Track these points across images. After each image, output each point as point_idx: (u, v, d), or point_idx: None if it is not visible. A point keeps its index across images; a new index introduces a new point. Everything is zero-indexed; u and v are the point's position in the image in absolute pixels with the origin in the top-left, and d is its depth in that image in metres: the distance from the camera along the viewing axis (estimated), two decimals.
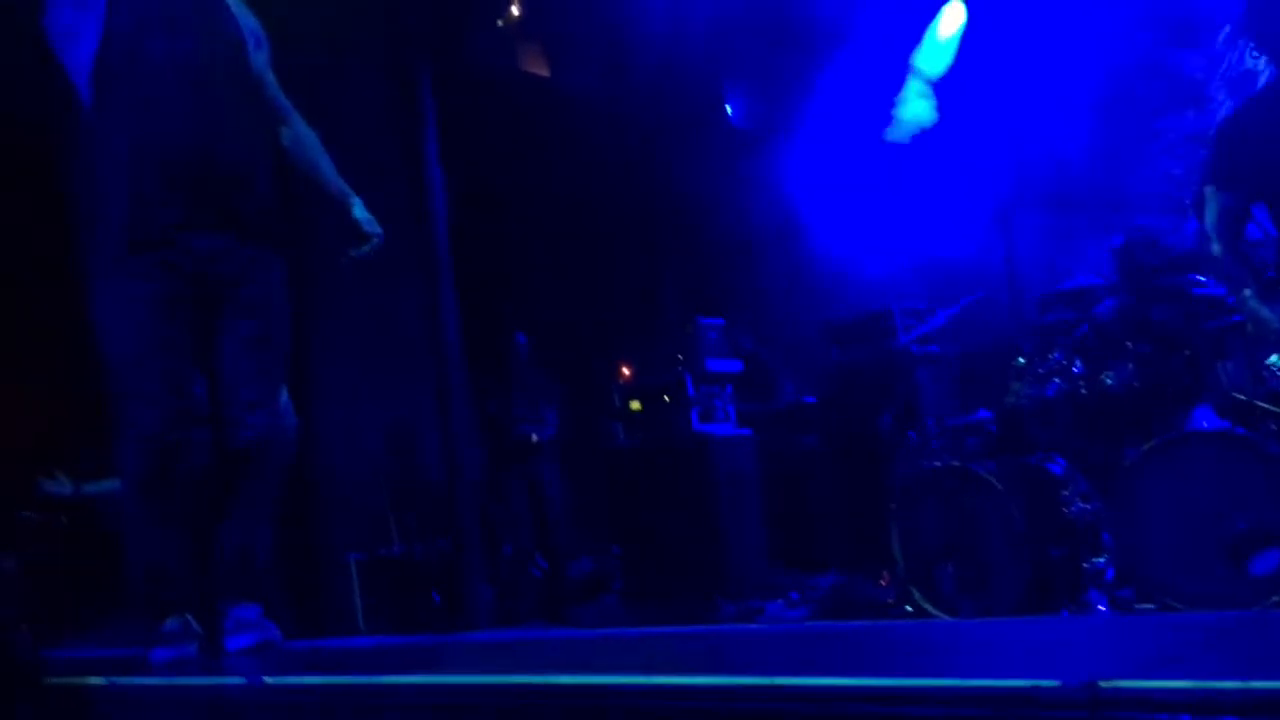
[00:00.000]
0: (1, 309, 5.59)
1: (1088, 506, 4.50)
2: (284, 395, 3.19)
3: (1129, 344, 4.42)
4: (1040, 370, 4.59)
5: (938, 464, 4.63)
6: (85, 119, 2.87)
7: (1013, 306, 5.46)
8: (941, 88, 7.77)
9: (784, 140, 8.24)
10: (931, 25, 7.83)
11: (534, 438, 6.71)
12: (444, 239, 6.16)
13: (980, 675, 1.32)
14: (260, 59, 3.09)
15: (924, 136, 7.86)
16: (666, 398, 6.50)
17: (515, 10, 7.97)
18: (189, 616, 2.90)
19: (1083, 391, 4.47)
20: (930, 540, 4.60)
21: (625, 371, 7.03)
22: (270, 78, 3.12)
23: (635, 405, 6.76)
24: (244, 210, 2.90)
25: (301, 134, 3.15)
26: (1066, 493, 4.52)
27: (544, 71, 8.10)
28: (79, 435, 5.12)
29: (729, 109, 8.62)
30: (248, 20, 3.09)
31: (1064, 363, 4.52)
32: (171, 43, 2.84)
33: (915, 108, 7.94)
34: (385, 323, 6.73)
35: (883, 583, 5.54)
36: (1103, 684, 1.17)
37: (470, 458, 6.20)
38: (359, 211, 3.12)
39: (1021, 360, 4.73)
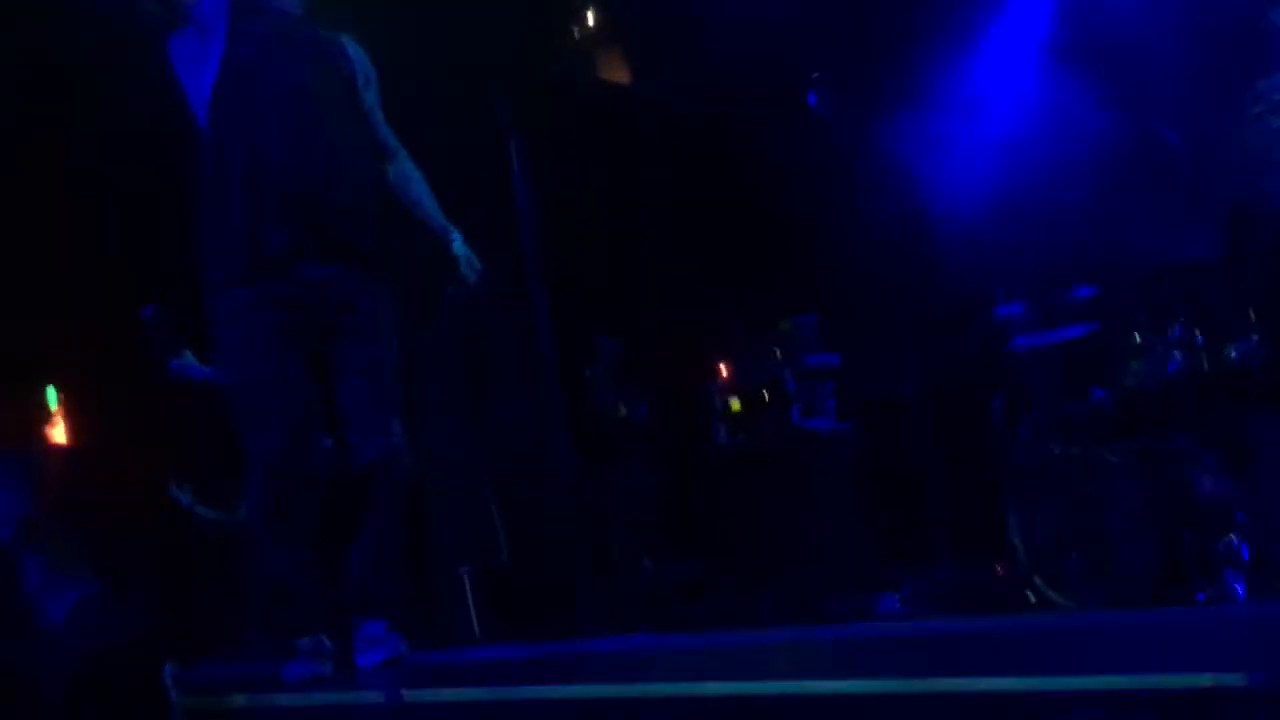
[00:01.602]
0: (128, 335, 5.82)
1: (1217, 485, 4.33)
2: (395, 416, 3.25)
3: (1251, 314, 4.25)
4: (1159, 347, 4.44)
5: (1055, 451, 4.50)
6: (203, 145, 2.95)
7: (1124, 281, 5.29)
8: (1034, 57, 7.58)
9: (874, 128, 8.12)
10: None
11: (622, 410, 6.62)
12: (534, 251, 6.19)
13: (1148, 671, 1.26)
14: (370, 96, 3.17)
15: (1018, 108, 7.67)
16: (766, 395, 6.45)
17: (591, 20, 7.99)
18: (320, 635, 2.96)
19: (1205, 367, 4.31)
20: (1052, 529, 4.48)
21: (723, 371, 6.99)
22: (378, 115, 3.21)
23: (735, 404, 6.72)
24: (354, 240, 2.96)
25: (407, 171, 3.24)
26: (1194, 472, 4.35)
27: (624, 78, 8.11)
28: (204, 462, 5.28)
29: (811, 99, 8.51)
30: (360, 58, 3.16)
31: (1184, 338, 4.36)
32: (288, 73, 2.92)
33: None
34: (481, 337, 6.81)
35: (999, 573, 5.42)
36: None
37: (571, 465, 6.23)
38: (459, 248, 3.20)
39: (1138, 337, 4.57)
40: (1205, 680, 1.18)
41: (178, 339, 3.85)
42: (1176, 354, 4.35)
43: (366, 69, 3.18)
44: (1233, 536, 4.17)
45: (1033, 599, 4.51)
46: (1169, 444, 4.46)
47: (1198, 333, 4.34)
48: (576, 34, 8.03)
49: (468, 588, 6.42)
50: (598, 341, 6.77)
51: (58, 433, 6.25)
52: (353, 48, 3.17)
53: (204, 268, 2.95)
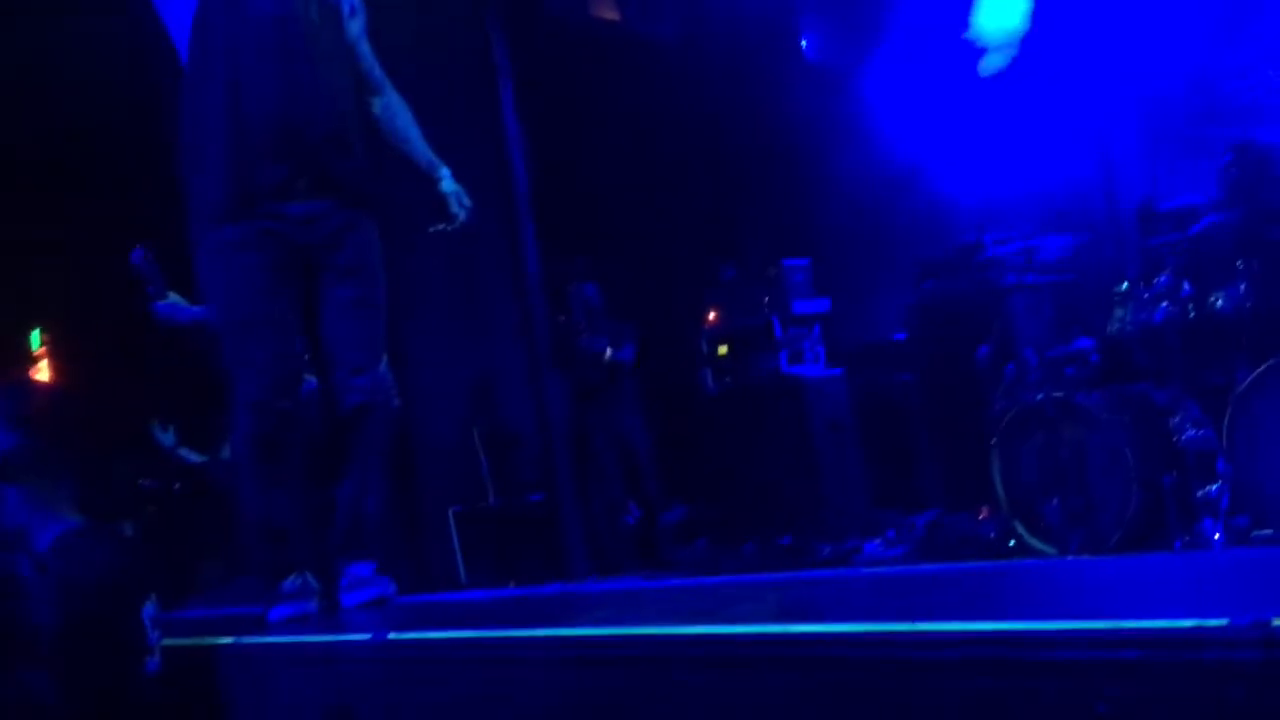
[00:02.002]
0: (111, 277, 5.76)
1: (1199, 433, 4.36)
2: (383, 353, 3.22)
3: (1240, 263, 4.24)
4: (1146, 295, 4.44)
5: (1039, 396, 4.52)
6: (185, 81, 2.88)
7: (1111, 228, 5.28)
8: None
9: (864, 72, 8.03)
10: None
11: (608, 352, 6.56)
12: (524, 189, 6.14)
13: (1130, 616, 1.27)
14: (355, 27, 3.09)
15: (1012, 51, 7.58)
16: (754, 342, 6.44)
17: None
18: (306, 575, 2.96)
19: (1192, 315, 4.32)
20: (1034, 474, 4.51)
21: (711, 316, 6.98)
22: (365, 47, 3.12)
23: (722, 350, 6.72)
24: (339, 173, 2.91)
25: (393, 104, 3.15)
26: (1176, 420, 4.38)
27: (615, 16, 7.99)
28: (187, 402, 5.27)
29: (804, 43, 8.41)
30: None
31: (1171, 285, 4.36)
32: (270, 5, 2.84)
33: (997, 16, 7.65)
34: (468, 276, 6.76)
35: (981, 518, 5.47)
36: (1276, 621, 1.11)
37: (559, 408, 6.22)
38: (448, 185, 3.12)
39: (1125, 285, 4.58)
40: (1187, 624, 1.19)
41: (164, 281, 3.81)
42: (1163, 303, 4.35)
43: (352, 0, 3.10)
44: (1213, 485, 4.21)
45: (1012, 544, 4.56)
46: (1152, 392, 4.49)
47: (1185, 281, 4.34)
48: None
49: (453, 528, 6.45)
50: (570, 288, 6.69)
51: (41, 373, 6.24)
52: None
53: (189, 205, 2.90)
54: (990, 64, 7.67)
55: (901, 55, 7.81)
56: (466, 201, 3.14)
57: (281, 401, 2.86)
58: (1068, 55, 7.00)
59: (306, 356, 3.04)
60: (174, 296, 3.91)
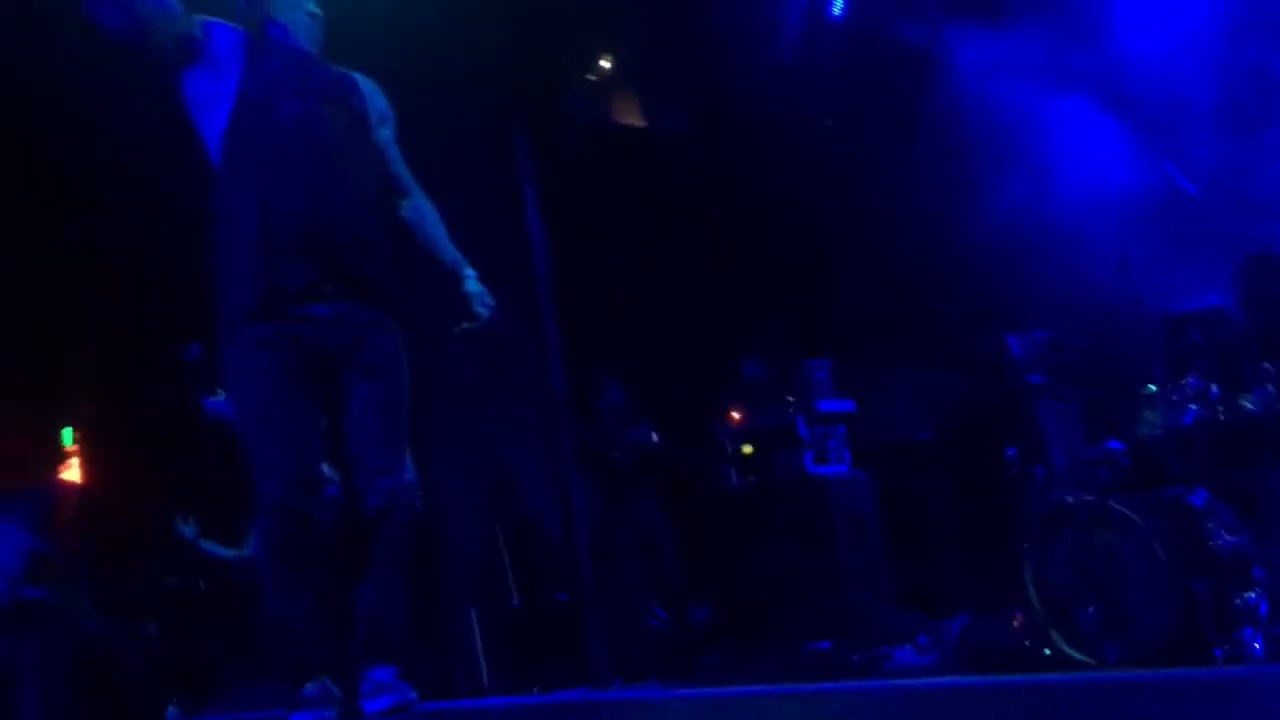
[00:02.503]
0: (143, 375, 5.85)
1: (1235, 539, 4.28)
2: (406, 449, 3.23)
3: (1267, 365, 4.22)
4: (1174, 397, 4.40)
5: (1070, 499, 4.46)
6: (216, 184, 2.95)
7: (1135, 328, 5.26)
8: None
9: (883, 174, 8.14)
10: None
11: (632, 449, 6.55)
12: (546, 288, 6.22)
13: None
14: (385, 133, 3.18)
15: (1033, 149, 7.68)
16: (778, 440, 6.41)
17: (606, 63, 8.06)
18: (327, 680, 2.92)
19: (1221, 417, 4.27)
20: (1067, 580, 4.42)
21: (735, 415, 6.96)
22: (394, 152, 3.20)
23: (747, 448, 6.69)
24: (364, 275, 2.95)
25: (421, 207, 3.23)
26: (1211, 525, 4.30)
27: (637, 120, 8.16)
28: (215, 497, 5.28)
29: (824, 142, 8.55)
30: (374, 94, 3.18)
31: (1199, 388, 4.32)
32: (300, 110, 2.92)
33: None
34: (492, 376, 6.80)
35: (1016, 624, 5.35)
36: None
37: (583, 508, 6.19)
38: (472, 285, 3.18)
39: (1152, 387, 4.54)
40: None
41: (213, 378, 3.87)
42: (1191, 405, 4.31)
43: (381, 106, 3.19)
44: (1251, 592, 4.12)
45: (1048, 653, 4.45)
46: (1185, 496, 4.42)
47: (1213, 384, 4.30)
48: (592, 76, 8.10)
49: (476, 630, 6.37)
50: (601, 380, 6.73)
51: (72, 472, 6.27)
52: (366, 84, 3.18)
53: (216, 305, 2.94)
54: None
55: (926, 152, 7.92)
56: (490, 301, 3.19)
57: (302, 503, 2.86)
58: (1086, 150, 7.09)
59: (329, 459, 3.05)
60: (222, 394, 3.95)
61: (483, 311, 3.18)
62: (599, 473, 6.55)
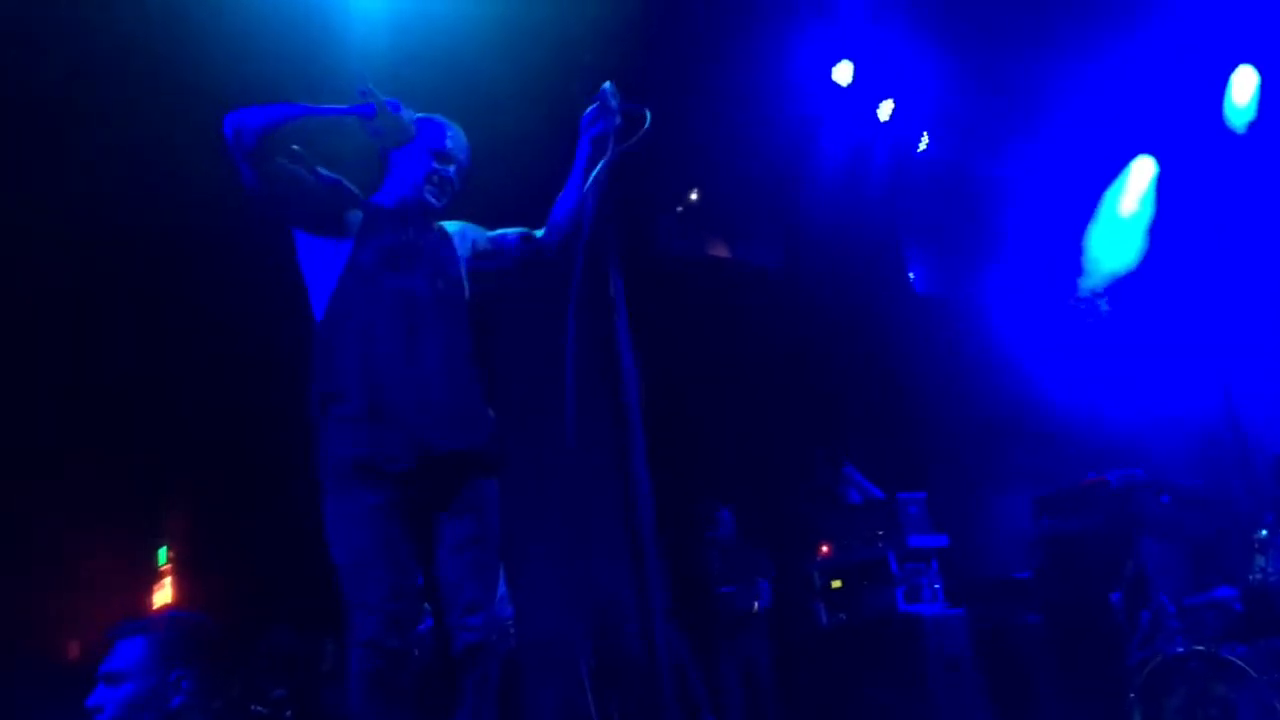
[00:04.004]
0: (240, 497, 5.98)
1: None
2: (501, 586, 3.24)
3: None
4: None
5: (1180, 650, 4.26)
6: (317, 340, 3.07)
7: (1241, 469, 5.09)
8: (1139, 228, 7.55)
9: (973, 301, 8.12)
10: (1124, 172, 7.69)
11: (755, 607, 6.54)
12: (637, 420, 6.23)
13: None
14: (477, 240, 3.34)
15: (1125, 283, 7.61)
16: (869, 576, 6.27)
17: (694, 196, 8.24)
18: None
19: None
20: None
21: (824, 548, 6.84)
22: (491, 235, 3.36)
23: (836, 583, 6.55)
24: (461, 447, 3.01)
25: (533, 235, 3.36)
26: None
27: (724, 252, 8.29)
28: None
29: (911, 276, 8.58)
30: (464, 242, 3.32)
31: None
32: (403, 283, 3.05)
33: (1110, 252, 7.73)
34: (581, 509, 6.81)
35: None
36: None
37: (670, 636, 6.07)
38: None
39: (1264, 532, 4.37)
40: None
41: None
42: None
43: (469, 239, 3.33)
44: None
45: None
46: None
47: None
48: (680, 209, 8.28)
49: (587, 680, 6.24)
50: (713, 510, 6.73)
51: (164, 592, 6.39)
52: (455, 231, 3.33)
53: (318, 450, 3.02)
54: (1102, 296, 7.70)
55: (1013, 285, 7.90)
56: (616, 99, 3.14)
57: (392, 640, 2.87)
58: (1184, 288, 6.99)
59: (421, 595, 3.07)
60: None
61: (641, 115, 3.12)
62: (707, 609, 6.52)
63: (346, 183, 3.21)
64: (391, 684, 2.88)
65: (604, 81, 3.20)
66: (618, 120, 3.14)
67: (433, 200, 3.24)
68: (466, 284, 3.27)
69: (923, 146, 7.72)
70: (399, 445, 2.93)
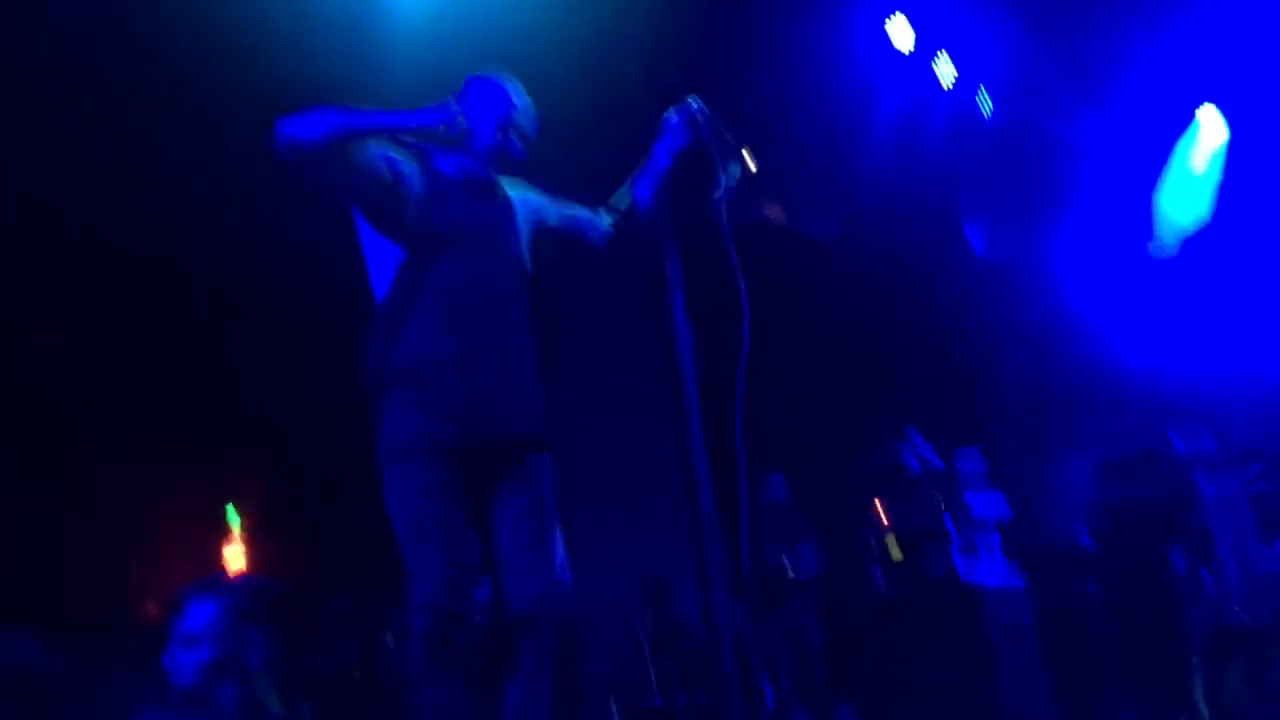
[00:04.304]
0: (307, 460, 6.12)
1: None
2: (560, 554, 3.28)
3: None
4: None
5: (1244, 616, 4.21)
6: (375, 316, 3.12)
7: None
8: (1210, 185, 7.38)
9: (1036, 266, 7.99)
10: (1193, 127, 7.51)
11: (790, 574, 6.57)
12: (692, 387, 6.25)
13: None
14: (544, 218, 3.33)
15: (1194, 242, 7.45)
16: (929, 543, 6.25)
17: (752, 163, 8.19)
18: None
19: None
20: (1242, 698, 4.15)
21: (881, 513, 6.83)
22: (561, 211, 3.35)
23: (894, 550, 6.54)
24: (520, 434, 3.06)
25: (599, 221, 3.37)
26: None
27: (782, 219, 8.24)
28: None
29: (972, 241, 8.46)
30: (525, 209, 3.30)
31: None
32: (467, 259, 3.08)
33: (1179, 209, 7.56)
34: (638, 470, 6.86)
35: None
36: None
37: (727, 604, 6.12)
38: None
39: None
40: None
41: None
42: None
43: (532, 209, 3.30)
44: None
45: None
46: None
47: None
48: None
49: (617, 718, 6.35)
50: (764, 475, 6.75)
51: (235, 552, 6.58)
52: (519, 200, 3.29)
53: (376, 428, 3.07)
54: (1171, 250, 7.54)
55: (1078, 247, 7.76)
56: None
57: (451, 604, 2.93)
58: (1255, 245, 6.82)
59: (479, 561, 3.13)
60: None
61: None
62: (758, 579, 6.55)
63: (409, 148, 3.15)
64: (452, 646, 2.95)
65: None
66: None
67: (515, 150, 3.21)
68: (529, 258, 3.27)
69: (988, 113, 7.60)
70: (457, 427, 2.97)
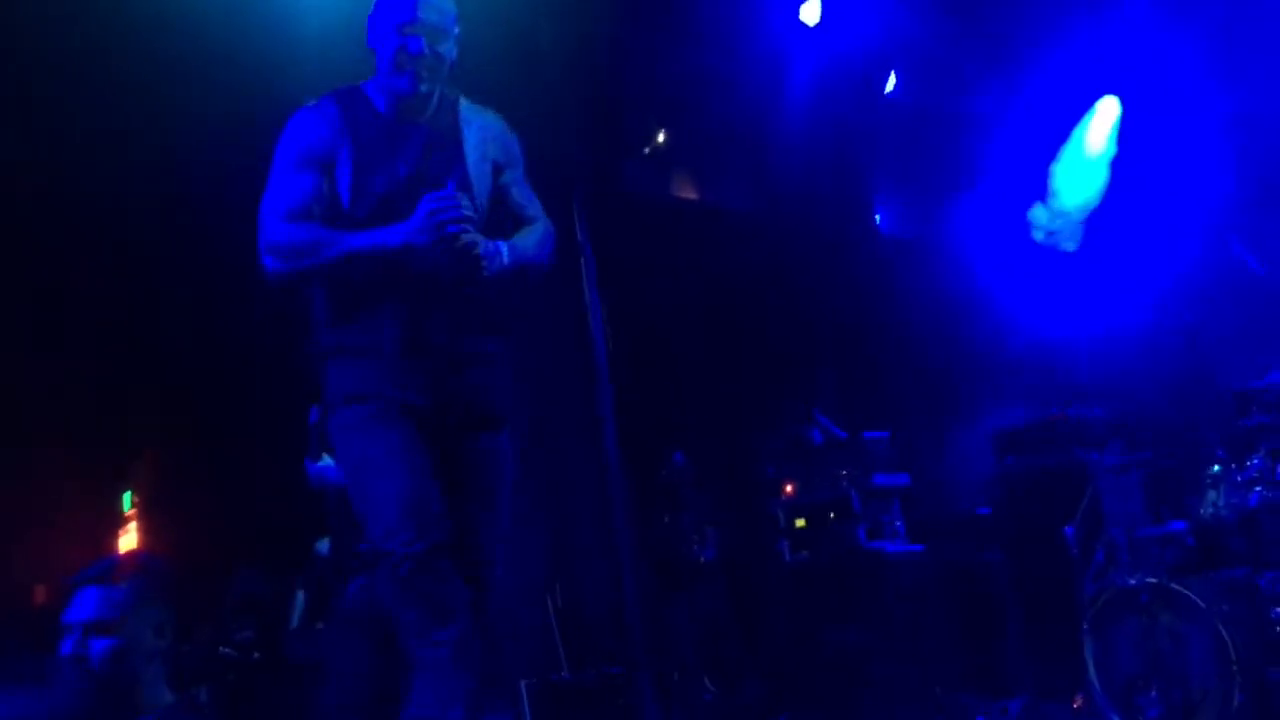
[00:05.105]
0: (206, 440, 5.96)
1: None
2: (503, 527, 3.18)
3: None
4: (1239, 477, 4.32)
5: (1132, 581, 4.37)
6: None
7: (1201, 406, 5.18)
8: (1106, 165, 7.59)
9: (939, 243, 8.14)
10: (1091, 110, 7.70)
11: (702, 559, 6.66)
12: (603, 362, 6.25)
13: None
14: (509, 176, 3.11)
15: (1091, 221, 7.65)
16: (833, 515, 6.36)
17: (662, 136, 8.18)
18: None
19: None
20: (1129, 662, 4.33)
21: (789, 487, 6.92)
22: (516, 191, 3.13)
23: (800, 522, 6.64)
24: (467, 404, 2.94)
25: (534, 230, 3.13)
26: (1279, 610, 4.19)
27: (693, 194, 8.25)
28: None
29: (878, 217, 8.59)
30: (491, 146, 3.08)
31: (1265, 468, 4.24)
32: (405, 191, 2.88)
33: (1074, 189, 7.77)
34: (547, 445, 6.83)
35: (1076, 707, 5.22)
36: None
37: (636, 579, 6.16)
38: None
39: (1217, 467, 4.46)
40: None
41: (321, 442, 3.91)
42: (1258, 487, 4.22)
43: (481, 140, 3.05)
44: None
45: None
46: (1252, 579, 4.31)
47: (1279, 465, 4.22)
48: (648, 150, 8.22)
49: (525, 701, 6.33)
50: (671, 456, 6.77)
51: (129, 537, 6.38)
52: (491, 127, 3.09)
53: (323, 381, 2.97)
54: (1067, 235, 7.75)
55: (979, 224, 7.93)
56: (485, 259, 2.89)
57: (416, 546, 2.74)
58: (1151, 225, 7.05)
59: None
60: (328, 460, 3.98)
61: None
62: (667, 558, 6.60)
63: (329, 114, 2.95)
64: (421, 585, 2.78)
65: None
66: None
67: (409, 86, 2.91)
68: (484, 188, 3.03)
69: (890, 87, 7.68)
70: (418, 381, 2.85)
